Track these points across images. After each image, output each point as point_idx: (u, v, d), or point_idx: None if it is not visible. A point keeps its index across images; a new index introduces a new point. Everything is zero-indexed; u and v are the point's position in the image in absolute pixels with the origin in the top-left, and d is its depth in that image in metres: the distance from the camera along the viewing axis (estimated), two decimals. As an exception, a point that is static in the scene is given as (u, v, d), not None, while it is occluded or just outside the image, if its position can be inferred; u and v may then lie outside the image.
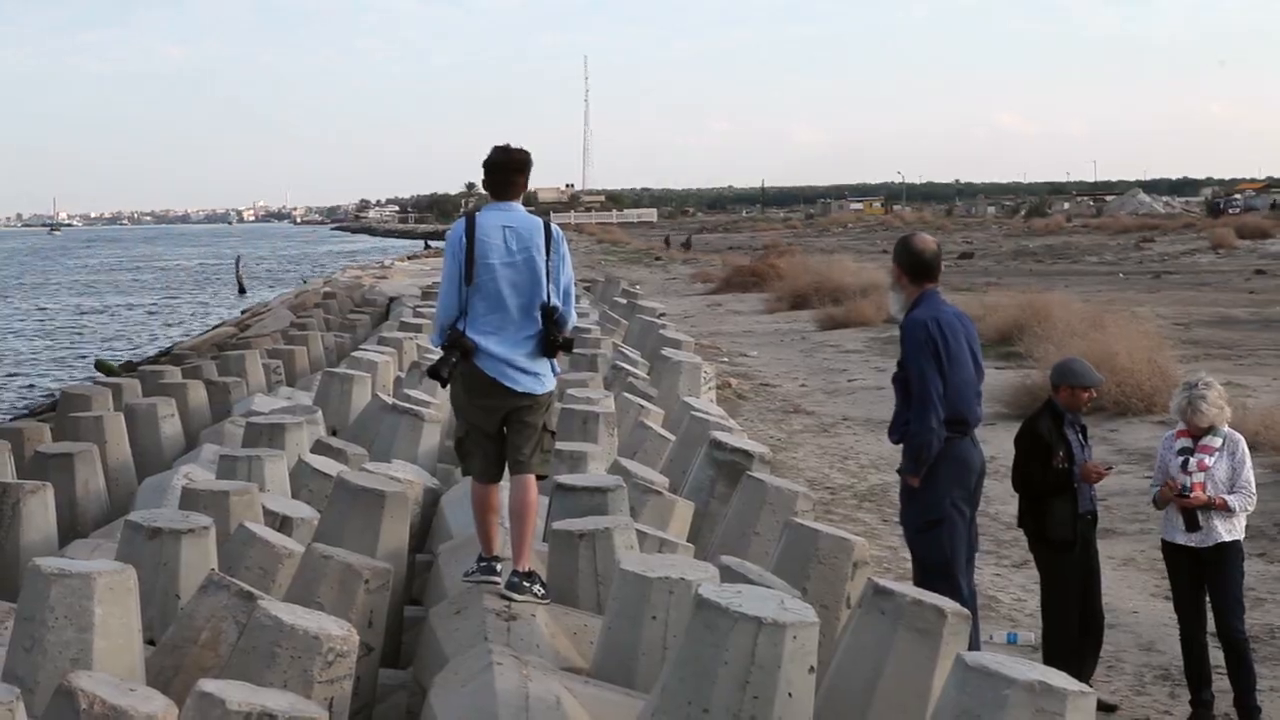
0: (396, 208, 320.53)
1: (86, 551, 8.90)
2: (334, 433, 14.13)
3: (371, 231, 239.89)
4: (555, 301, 7.81)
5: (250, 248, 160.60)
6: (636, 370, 17.70)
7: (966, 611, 6.49)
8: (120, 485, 13.04)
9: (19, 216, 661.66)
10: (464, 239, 7.85)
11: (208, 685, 5.36)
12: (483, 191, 8.09)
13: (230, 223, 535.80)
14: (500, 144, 8.09)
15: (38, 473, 11.53)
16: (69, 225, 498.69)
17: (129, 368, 31.81)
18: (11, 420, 24.65)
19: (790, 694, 5.55)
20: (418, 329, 24.24)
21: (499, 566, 7.75)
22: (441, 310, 8.00)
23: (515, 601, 7.41)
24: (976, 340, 8.71)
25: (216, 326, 46.80)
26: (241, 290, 77.79)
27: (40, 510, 9.82)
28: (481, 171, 8.07)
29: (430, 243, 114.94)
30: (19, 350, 51.49)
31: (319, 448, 12.11)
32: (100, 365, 35.36)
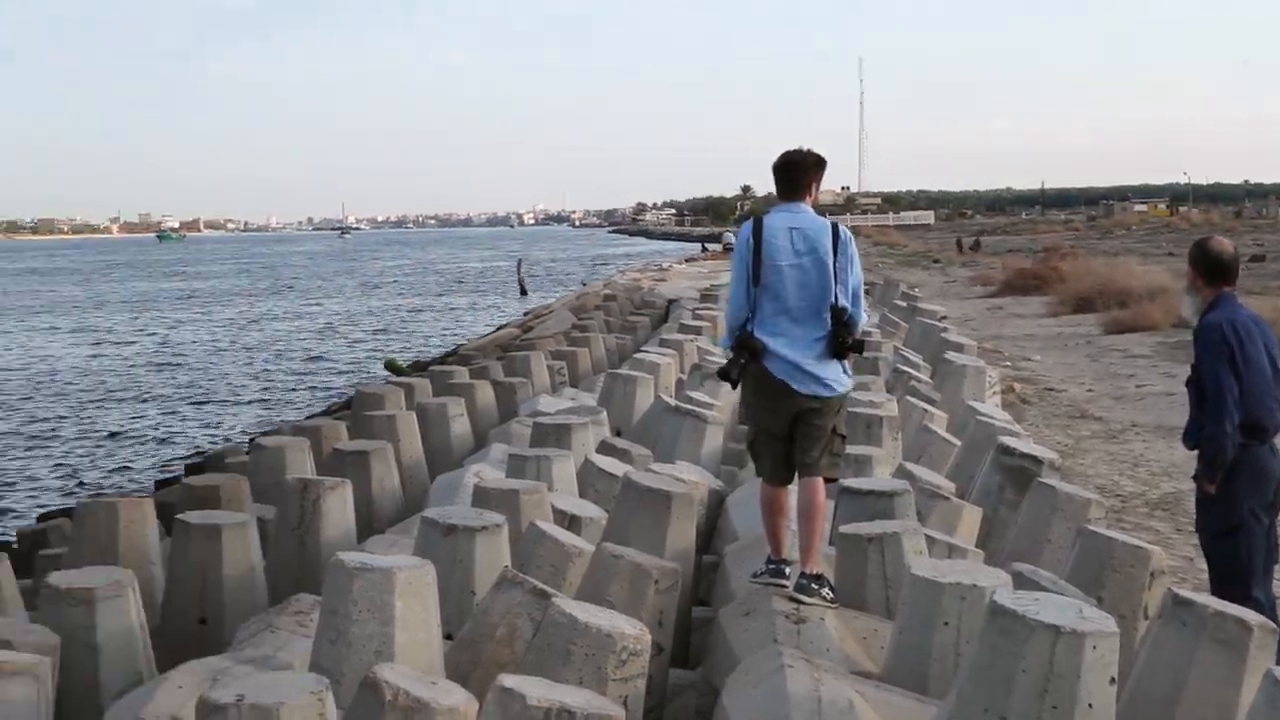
0: (673, 210, 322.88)
1: (384, 547, 9.14)
2: (618, 433, 14.28)
3: (648, 234, 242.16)
4: (844, 303, 7.78)
5: (531, 250, 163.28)
6: (919, 374, 17.53)
7: (1273, 625, 6.28)
8: (413, 482, 13.37)
9: (309, 221, 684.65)
10: (751, 240, 7.88)
11: (508, 680, 5.46)
12: (758, 194, 8.10)
13: (511, 225, 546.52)
14: (792, 148, 8.09)
15: (336, 469, 11.89)
16: (357, 229, 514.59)
17: (417, 367, 32.65)
18: (308, 418, 25.52)
19: (1090, 705, 5.42)
20: (698, 331, 24.36)
21: (788, 569, 7.74)
22: (731, 312, 8.04)
23: (804, 604, 7.39)
24: (1275, 345, 8.44)
25: (500, 328, 47.69)
26: (523, 292, 79.22)
27: (339, 506, 10.11)
28: (770, 173, 8.09)
29: (707, 245, 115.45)
30: (311, 350, 53.32)
31: (604, 448, 12.25)
32: (389, 365, 36.37)
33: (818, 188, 8.14)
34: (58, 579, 7.73)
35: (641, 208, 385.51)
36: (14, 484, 26.92)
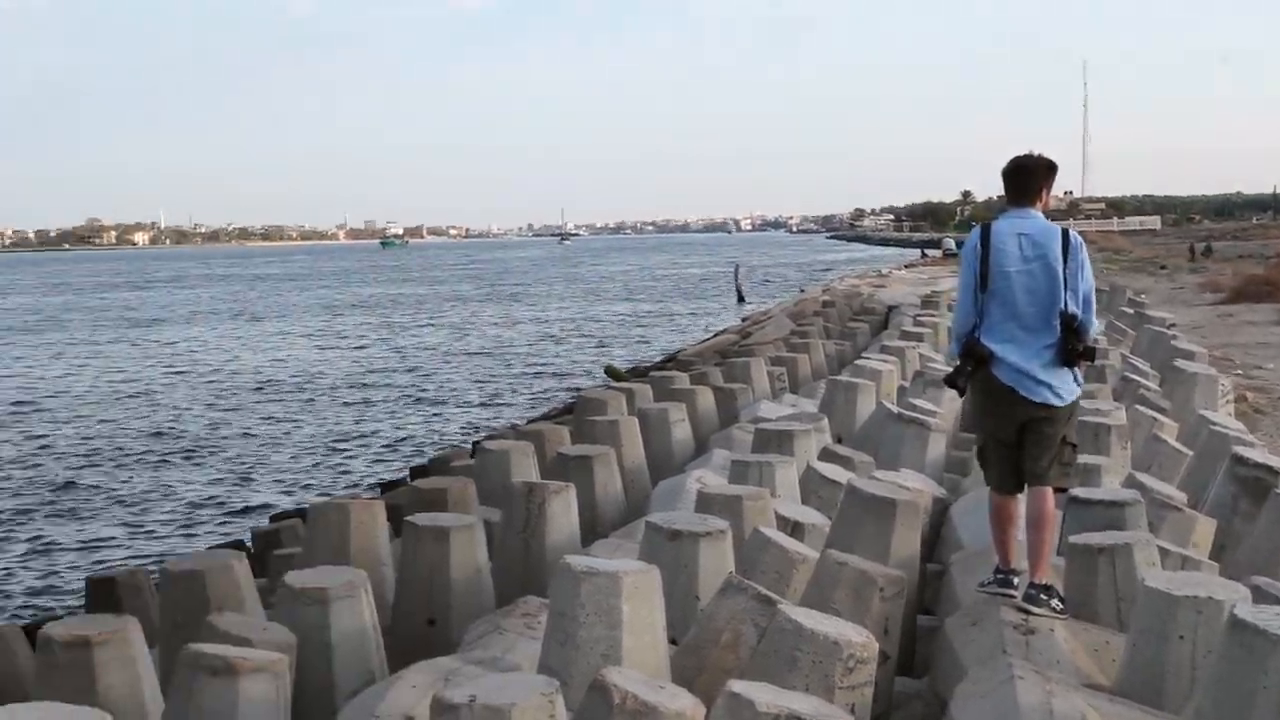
0: (891, 216, 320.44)
1: (609, 551, 9.21)
2: (839, 440, 14.22)
3: (866, 240, 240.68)
4: (1074, 309, 7.65)
5: (748, 256, 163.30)
6: (1148, 382, 17.14)
7: None
8: (635, 487, 13.45)
9: (529, 227, 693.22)
10: (979, 246, 7.79)
11: (737, 686, 5.47)
12: (978, 199, 8.01)
13: (728, 231, 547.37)
14: (1021, 153, 7.99)
15: (559, 473, 12.01)
16: (576, 235, 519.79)
17: (636, 373, 32.84)
18: (529, 422, 25.83)
19: (1335, 723, 5.26)
20: (919, 338, 24.13)
21: (1016, 579, 7.63)
22: (958, 319, 7.95)
23: (1033, 615, 7.28)
24: None
25: (718, 334, 47.74)
26: (740, 298, 79.22)
27: (564, 510, 10.21)
28: (999, 178, 7.99)
29: (926, 251, 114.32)
30: (530, 354, 53.99)
31: (826, 455, 12.20)
32: (609, 370, 36.64)
33: (1048, 193, 8.01)
34: (293, 579, 7.93)
35: (859, 213, 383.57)
36: (246, 484, 27.70)
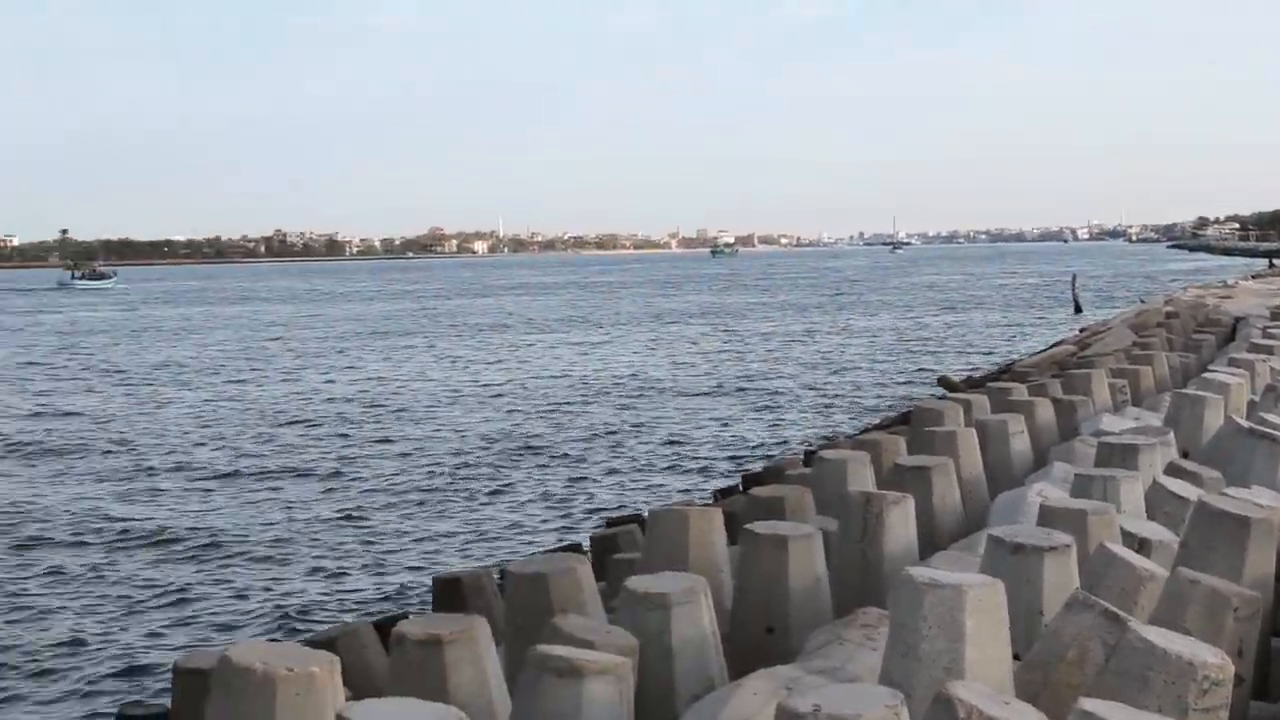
0: (1236, 225, 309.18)
1: (949, 564, 9.09)
2: (1185, 455, 13.77)
3: (1209, 249, 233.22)
4: None
5: (1085, 266, 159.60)
6: None
7: None
8: (973, 499, 13.25)
9: (860, 235, 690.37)
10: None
11: (1089, 704, 5.35)
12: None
13: (1064, 240, 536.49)
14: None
15: (896, 484, 11.90)
16: (907, 244, 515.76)
17: (970, 383, 32.38)
18: (862, 431, 25.72)
19: None
20: (1269, 350, 23.22)
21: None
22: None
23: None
24: None
25: (1056, 344, 46.76)
26: (1078, 309, 77.58)
27: (901, 521, 10.12)
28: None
29: (1275, 261, 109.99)
30: (861, 362, 53.84)
31: (1171, 470, 11.82)
32: (943, 381, 36.22)
33: None
34: (635, 583, 8.04)
35: (1202, 221, 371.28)
36: (581, 488, 28.25)
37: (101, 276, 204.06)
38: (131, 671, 16.82)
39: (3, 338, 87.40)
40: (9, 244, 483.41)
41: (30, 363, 65.81)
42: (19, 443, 36.49)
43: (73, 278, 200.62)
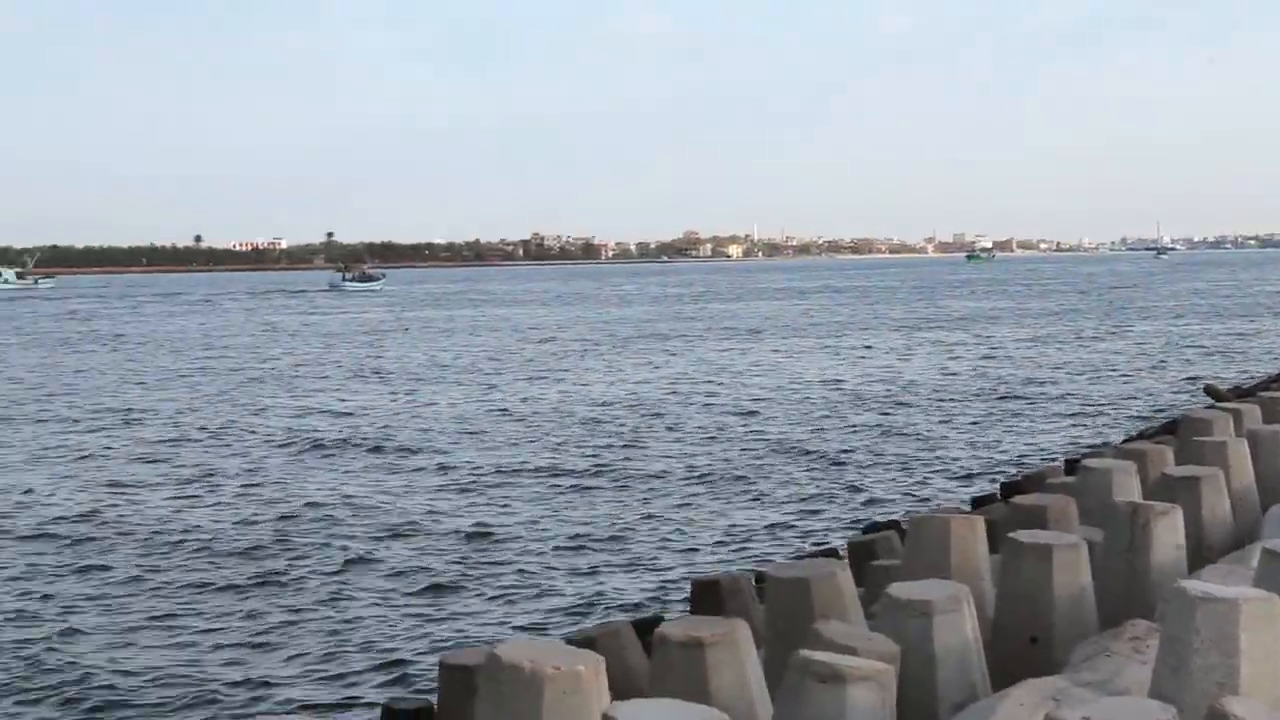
0: None
1: (1219, 577, 8.86)
2: None
3: None
4: None
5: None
6: None
7: None
8: (1244, 512, 12.88)
9: (1122, 241, 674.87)
10: None
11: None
12: None
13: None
14: None
15: (1164, 494, 11.63)
16: (1172, 249, 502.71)
17: (1238, 392, 31.43)
18: (1125, 441, 25.17)
19: None
20: None
21: None
22: None
23: None
24: None
25: (1328, 353, 45.18)
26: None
27: (1169, 532, 9.89)
28: None
29: None
30: (1122, 370, 52.69)
31: None
32: (1209, 390, 35.23)
33: None
34: (897, 590, 8.00)
35: None
36: (834, 493, 28.15)
37: (371, 279, 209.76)
38: (394, 666, 17.23)
39: (284, 339, 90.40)
40: (278, 246, 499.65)
41: (318, 362, 67.90)
42: (297, 439, 37.74)
43: (343, 279, 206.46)
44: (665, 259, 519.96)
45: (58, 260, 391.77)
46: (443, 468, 32.46)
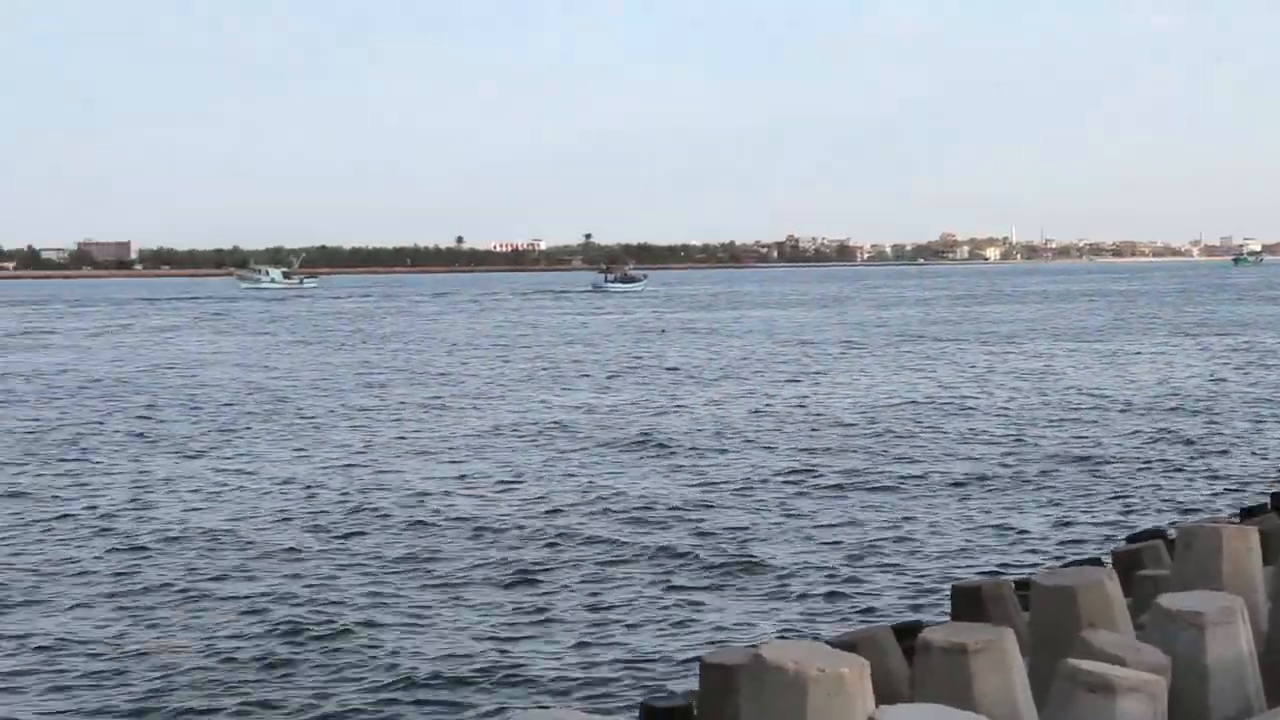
0: None
1: None
2: None
3: None
4: None
5: None
6: None
7: None
8: None
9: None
10: None
11: None
12: None
13: None
14: None
15: None
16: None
17: None
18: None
19: None
20: None
21: None
22: None
23: None
24: None
25: None
26: None
27: None
28: None
29: None
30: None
31: None
32: None
33: None
34: (1167, 601, 7.86)
35: None
36: (1094, 500, 27.59)
37: (632, 279, 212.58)
38: (652, 664, 17.33)
39: (557, 336, 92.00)
40: (537, 247, 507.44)
41: (586, 359, 68.87)
42: (568, 434, 38.37)
43: (606, 280, 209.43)
44: (921, 261, 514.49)
45: (326, 260, 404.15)
46: (701, 468, 32.71)
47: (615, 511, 26.98)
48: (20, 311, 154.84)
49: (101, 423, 44.26)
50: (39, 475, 33.07)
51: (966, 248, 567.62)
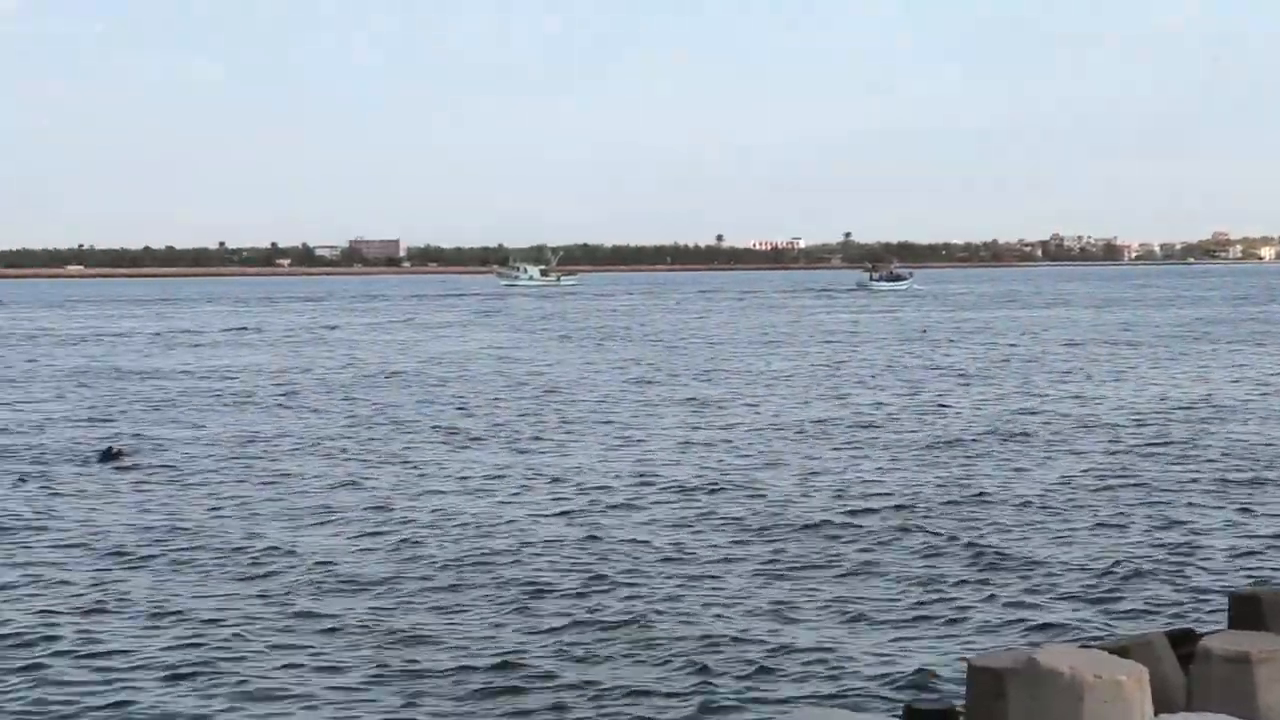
0: None
1: None
2: None
3: None
4: None
5: None
6: None
7: None
8: None
9: None
10: None
11: None
12: None
13: None
14: None
15: None
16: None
17: None
18: None
19: None
20: None
21: None
22: None
23: None
24: None
25: None
26: None
27: None
28: None
29: None
30: None
31: None
32: None
33: None
34: None
35: None
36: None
37: (899, 278, 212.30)
38: (913, 665, 17.13)
39: (828, 334, 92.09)
40: (796, 246, 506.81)
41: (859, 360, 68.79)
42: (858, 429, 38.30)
43: (871, 279, 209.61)
44: (1191, 261, 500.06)
45: (588, 258, 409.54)
46: (966, 464, 32.56)
47: (875, 510, 26.81)
48: (303, 306, 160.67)
49: (426, 412, 46.51)
50: (371, 466, 34.29)
51: (1239, 247, 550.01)
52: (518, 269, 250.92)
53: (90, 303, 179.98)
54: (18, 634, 18.93)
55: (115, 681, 16.91)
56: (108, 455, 35.06)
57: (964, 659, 12.66)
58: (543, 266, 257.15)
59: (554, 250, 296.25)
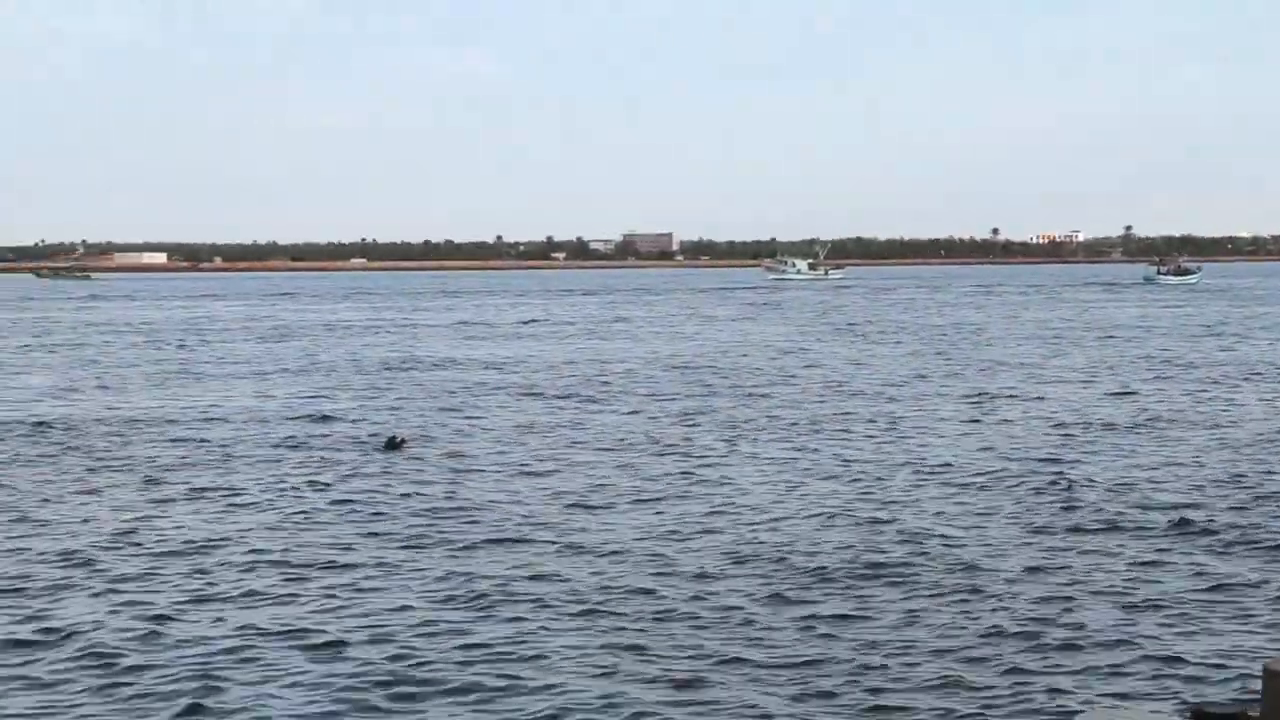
0: None
1: None
2: None
3: None
4: None
5: None
6: None
7: None
8: None
9: None
10: None
11: None
12: None
13: None
14: None
15: None
16: None
17: None
18: None
19: None
20: None
21: None
22: None
23: None
24: None
25: None
26: None
27: None
28: None
29: None
30: None
31: None
32: None
33: None
34: None
35: None
36: None
37: (1187, 272, 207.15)
38: (1200, 666, 17.00)
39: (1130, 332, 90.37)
40: (1075, 239, 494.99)
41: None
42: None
43: (1158, 273, 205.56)
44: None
45: (861, 251, 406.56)
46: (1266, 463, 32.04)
47: (1153, 507, 26.55)
48: (609, 300, 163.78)
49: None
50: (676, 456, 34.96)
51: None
52: (785, 263, 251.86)
53: (378, 294, 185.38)
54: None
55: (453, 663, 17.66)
56: (391, 444, 36.15)
57: (1261, 662, 12.60)
58: (810, 260, 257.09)
59: (822, 244, 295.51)
